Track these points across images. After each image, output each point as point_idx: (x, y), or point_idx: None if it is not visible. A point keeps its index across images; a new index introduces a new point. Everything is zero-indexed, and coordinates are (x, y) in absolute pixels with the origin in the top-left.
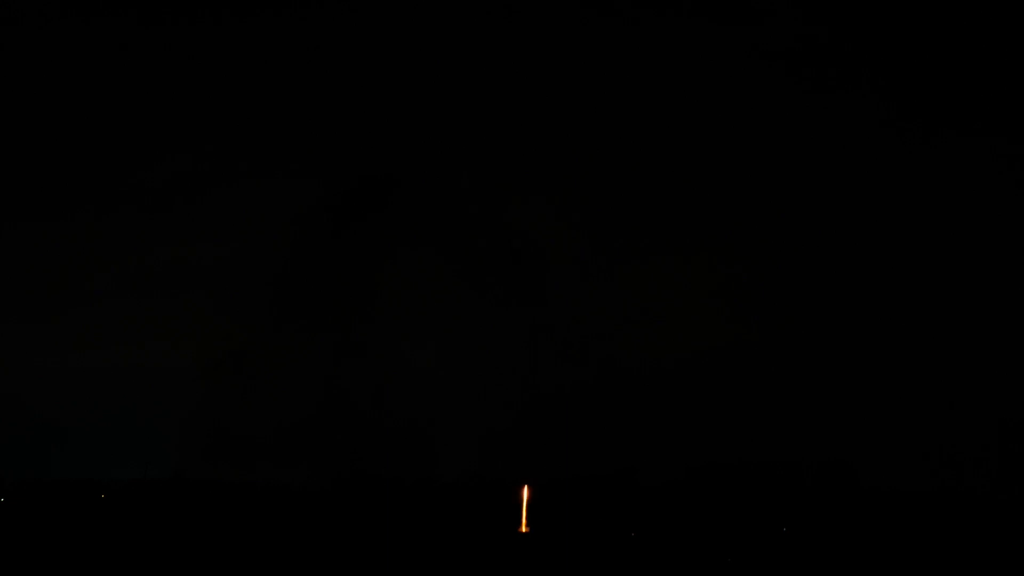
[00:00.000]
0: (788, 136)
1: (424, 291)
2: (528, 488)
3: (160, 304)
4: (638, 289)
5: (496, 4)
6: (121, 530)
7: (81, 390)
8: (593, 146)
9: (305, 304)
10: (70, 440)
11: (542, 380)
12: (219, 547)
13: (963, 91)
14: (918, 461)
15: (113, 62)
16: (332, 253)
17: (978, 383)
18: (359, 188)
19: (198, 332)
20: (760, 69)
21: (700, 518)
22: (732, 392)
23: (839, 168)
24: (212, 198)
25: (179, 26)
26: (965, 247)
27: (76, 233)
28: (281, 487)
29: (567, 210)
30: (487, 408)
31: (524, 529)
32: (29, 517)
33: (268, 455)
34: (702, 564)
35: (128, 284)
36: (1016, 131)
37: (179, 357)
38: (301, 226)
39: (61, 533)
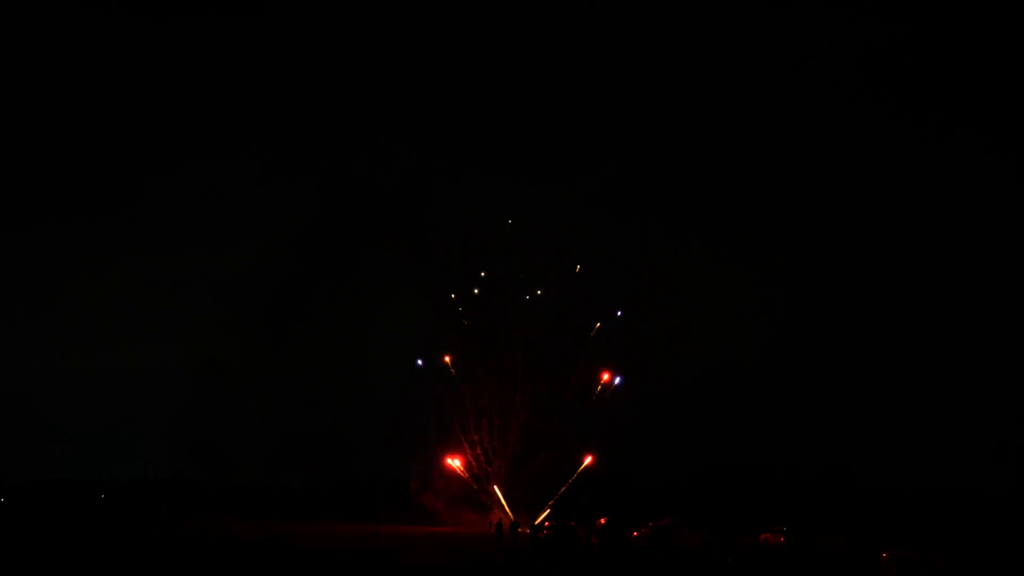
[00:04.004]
0: (787, 139)
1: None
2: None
3: (160, 305)
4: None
5: (496, 5)
6: (121, 529)
7: (81, 391)
8: (593, 148)
9: (304, 305)
10: (70, 440)
11: None
12: (218, 546)
13: (963, 91)
14: (918, 461)
15: (117, 67)
16: (331, 255)
17: (977, 384)
18: (358, 188)
19: (197, 333)
20: (763, 69)
21: (699, 517)
22: (731, 394)
23: (839, 170)
24: (212, 200)
25: (180, 28)
26: (964, 248)
27: (76, 235)
28: (281, 487)
29: (568, 212)
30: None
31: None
32: (29, 517)
33: (264, 456)
34: (702, 563)
35: (128, 285)
36: (1016, 131)
37: (179, 358)
38: (301, 227)
39: (61, 533)
